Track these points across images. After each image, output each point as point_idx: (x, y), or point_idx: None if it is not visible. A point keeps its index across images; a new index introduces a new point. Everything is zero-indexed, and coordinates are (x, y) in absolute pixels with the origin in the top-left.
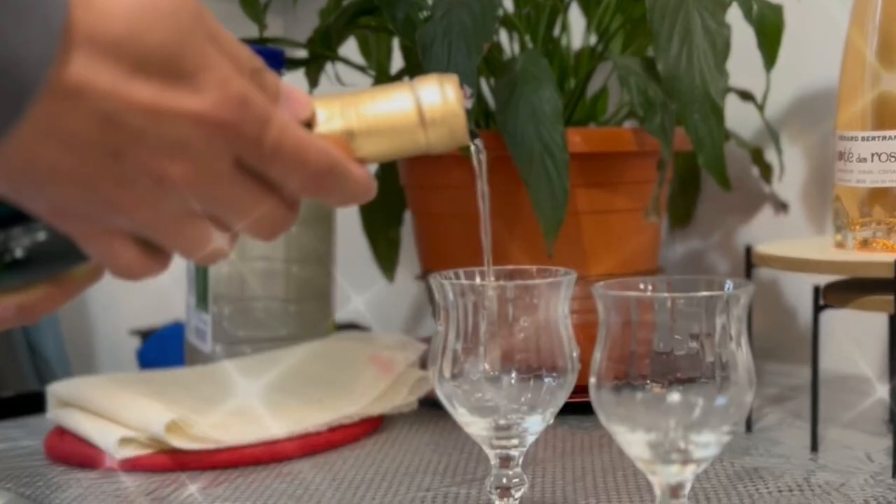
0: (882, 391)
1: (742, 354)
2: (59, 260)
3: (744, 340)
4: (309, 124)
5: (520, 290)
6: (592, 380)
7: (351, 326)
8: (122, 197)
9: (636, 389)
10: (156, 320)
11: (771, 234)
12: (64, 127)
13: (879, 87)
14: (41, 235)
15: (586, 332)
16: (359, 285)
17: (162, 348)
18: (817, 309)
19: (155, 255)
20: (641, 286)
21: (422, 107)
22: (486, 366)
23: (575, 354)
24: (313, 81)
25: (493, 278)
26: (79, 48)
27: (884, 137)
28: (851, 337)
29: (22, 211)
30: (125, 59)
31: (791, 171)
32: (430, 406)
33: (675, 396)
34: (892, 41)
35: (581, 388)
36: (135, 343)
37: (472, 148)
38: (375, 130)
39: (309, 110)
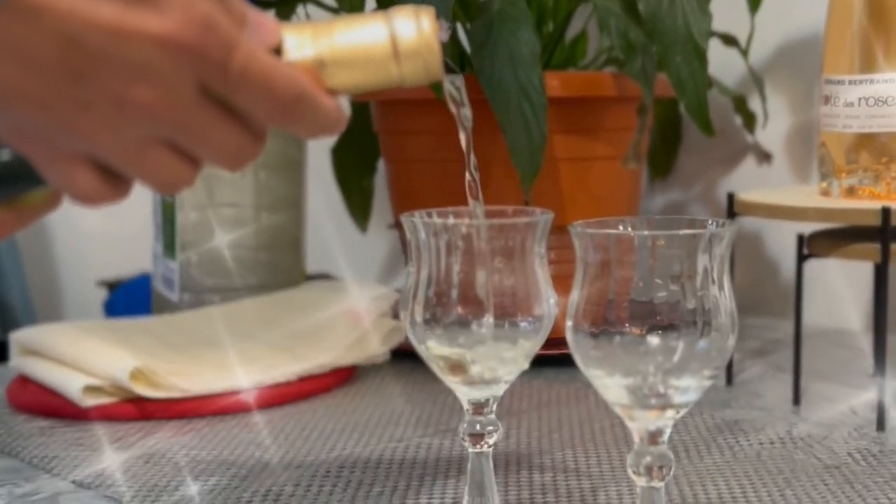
0: (866, 344)
1: (724, 297)
2: (16, 182)
3: (726, 283)
4: (278, 51)
5: (495, 230)
6: (569, 322)
7: (322, 277)
8: (82, 121)
9: (614, 333)
10: (123, 271)
11: (754, 186)
12: (23, 47)
13: (867, 28)
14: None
15: (564, 283)
16: (331, 235)
17: (129, 300)
18: (801, 258)
19: (115, 181)
20: (621, 226)
21: (396, 38)
22: (460, 309)
23: (552, 300)
24: None
25: (482, 213)
26: None
27: (871, 81)
28: (836, 289)
29: None
30: None
31: (775, 120)
32: (403, 357)
33: (654, 340)
34: None
35: (559, 340)
36: (102, 294)
37: (448, 83)
38: (347, 60)
39: (277, 37)
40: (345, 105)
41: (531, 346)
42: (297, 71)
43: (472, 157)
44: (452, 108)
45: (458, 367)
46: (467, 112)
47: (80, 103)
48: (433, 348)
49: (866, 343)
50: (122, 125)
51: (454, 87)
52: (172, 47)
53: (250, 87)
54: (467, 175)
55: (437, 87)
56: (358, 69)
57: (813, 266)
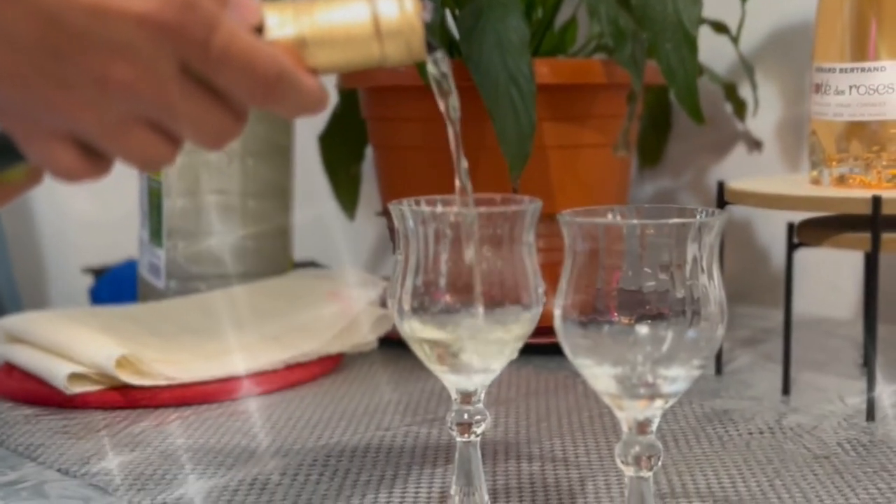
0: (856, 333)
1: (713, 287)
2: None
3: (716, 272)
4: (259, 30)
5: (483, 218)
6: (557, 311)
7: (310, 265)
8: (63, 99)
9: (603, 322)
10: (109, 258)
11: (744, 174)
12: (3, 25)
13: (858, 16)
14: None
15: (552, 272)
16: (318, 223)
17: (115, 287)
18: (791, 247)
19: (96, 159)
20: (610, 215)
21: (378, 17)
22: (448, 298)
23: (540, 290)
24: None
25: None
26: None
27: (862, 69)
28: (825, 278)
29: None
30: None
31: (766, 108)
32: (391, 345)
33: (643, 329)
34: None
35: (547, 329)
36: (88, 281)
37: (431, 61)
38: (328, 39)
39: (258, 15)
40: (332, 91)
41: (519, 330)
42: (278, 50)
43: (463, 162)
44: (439, 100)
45: (444, 353)
46: (455, 102)
47: (61, 82)
48: (419, 331)
49: (856, 332)
50: (103, 104)
51: (438, 68)
52: (153, 26)
53: (231, 67)
54: (457, 181)
55: (424, 73)
56: (339, 48)
57: (803, 255)
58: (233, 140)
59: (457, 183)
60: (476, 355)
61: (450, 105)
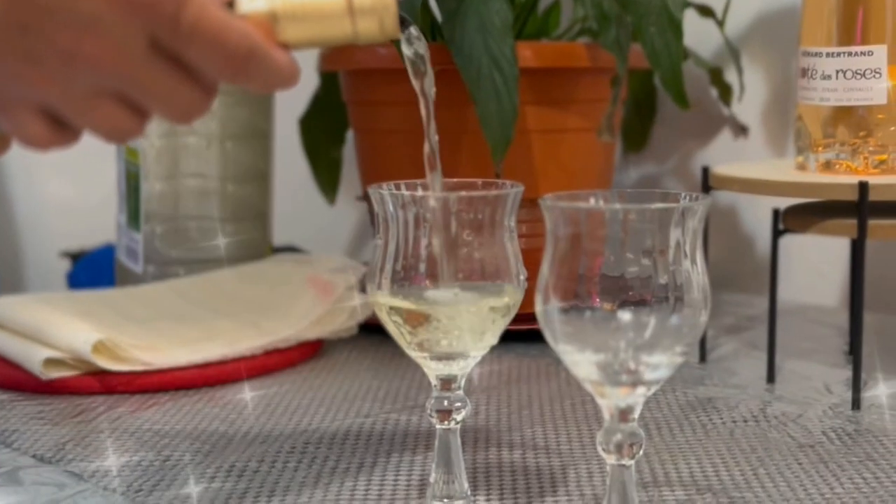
0: (842, 320)
1: (697, 272)
2: None
3: (699, 258)
4: (230, 4)
5: (464, 203)
6: (539, 297)
7: (289, 249)
8: (30, 72)
9: (585, 308)
10: (87, 242)
11: (729, 159)
12: None
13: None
14: None
15: (535, 258)
16: (298, 207)
17: (93, 271)
18: (776, 233)
19: (64, 129)
20: (592, 199)
21: None
22: (427, 283)
23: (522, 276)
24: None
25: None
26: None
27: (849, 53)
28: (811, 265)
29: None
30: None
31: (752, 92)
32: (371, 331)
33: (626, 315)
34: None
35: (529, 316)
36: (65, 266)
37: (405, 39)
38: (301, 15)
39: None
40: (313, 74)
41: (496, 303)
42: (249, 25)
43: (433, 126)
44: (414, 80)
45: (420, 323)
46: (430, 83)
47: (28, 56)
48: (392, 301)
49: (842, 320)
50: (70, 77)
51: (412, 47)
52: (122, 1)
53: (201, 42)
54: (426, 147)
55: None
56: (311, 24)
57: (789, 241)
58: (202, 115)
59: (426, 149)
60: (453, 331)
61: (425, 84)
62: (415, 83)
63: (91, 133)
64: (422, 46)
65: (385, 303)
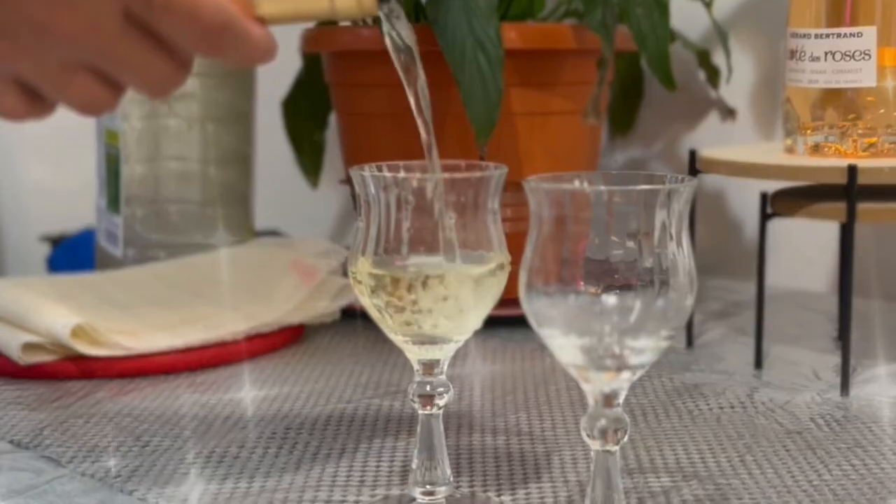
0: (831, 306)
1: (683, 256)
2: None
3: (685, 241)
4: None
5: (447, 184)
6: (522, 280)
7: (271, 233)
8: (4, 45)
9: (569, 291)
10: (67, 226)
11: (717, 142)
12: None
13: None
14: None
15: (520, 241)
16: (280, 190)
17: (73, 256)
18: (764, 217)
19: (38, 101)
20: (577, 181)
21: None
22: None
23: (505, 260)
24: None
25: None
26: None
27: (838, 35)
28: (799, 249)
29: None
30: None
31: (739, 74)
32: (353, 316)
33: (610, 299)
34: None
35: (514, 301)
36: (45, 250)
37: (383, 16)
38: None
39: None
40: (295, 56)
41: (477, 271)
42: None
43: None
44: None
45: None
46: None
47: (1, 29)
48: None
49: (831, 305)
50: (44, 50)
51: (391, 24)
52: None
53: (176, 15)
54: (422, 134)
55: (393, 38)
56: None
57: (777, 226)
58: (177, 89)
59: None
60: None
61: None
62: (403, 79)
63: (66, 106)
64: (403, 27)
65: (366, 271)
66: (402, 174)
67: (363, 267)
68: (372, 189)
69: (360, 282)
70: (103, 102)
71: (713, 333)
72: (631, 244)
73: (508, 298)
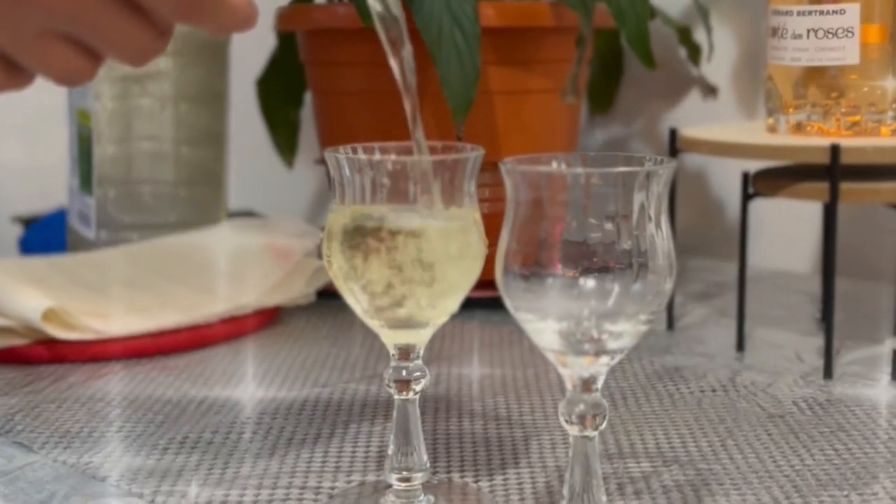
0: (814, 287)
1: (662, 239)
2: None
3: (664, 223)
4: None
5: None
6: (499, 264)
7: (246, 214)
8: None
9: (546, 275)
10: (40, 207)
11: (698, 120)
12: None
13: None
14: None
15: (497, 222)
16: (255, 170)
17: (46, 236)
18: (746, 197)
19: (16, 72)
20: (554, 163)
21: None
22: None
23: (482, 245)
24: None
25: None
26: None
27: (821, 12)
28: (782, 230)
29: None
30: None
31: (721, 51)
32: (329, 298)
33: (588, 282)
34: None
35: (492, 283)
36: (17, 231)
37: None
38: None
39: None
40: (270, 34)
41: (447, 223)
42: None
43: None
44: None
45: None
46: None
47: None
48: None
49: (814, 287)
50: (20, 19)
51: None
52: None
53: None
54: (407, 107)
55: (365, 15)
56: None
57: (759, 206)
58: (156, 57)
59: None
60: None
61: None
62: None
63: (43, 76)
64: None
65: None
66: (377, 156)
67: (341, 218)
68: (347, 171)
69: (332, 264)
70: (82, 72)
71: (694, 315)
72: (609, 226)
73: (486, 280)
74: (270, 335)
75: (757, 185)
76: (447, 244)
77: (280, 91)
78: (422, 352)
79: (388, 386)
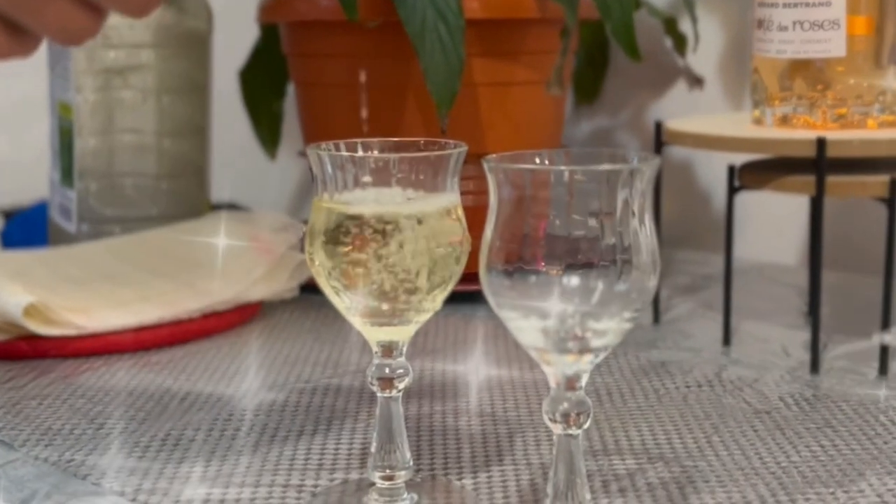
0: (801, 280)
1: (646, 235)
2: None
3: (648, 219)
4: None
5: (404, 163)
6: (482, 261)
7: (229, 207)
8: None
9: (529, 272)
10: (20, 199)
11: (684, 111)
12: None
13: None
14: None
15: (482, 215)
16: (238, 163)
17: (26, 230)
18: (732, 190)
19: (20, 36)
20: (538, 159)
21: None
22: None
23: (464, 241)
24: None
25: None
26: None
27: (806, 4)
28: (768, 222)
29: None
30: None
31: (707, 42)
32: (313, 292)
33: (572, 280)
34: None
35: (475, 276)
36: None
37: None
38: None
39: None
40: (253, 25)
41: (425, 207)
42: None
43: None
44: None
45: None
46: None
47: None
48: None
49: (801, 280)
50: None
51: None
52: None
53: None
54: None
55: (350, 8)
56: None
57: (745, 198)
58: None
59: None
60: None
61: None
62: None
63: (47, 36)
64: None
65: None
66: (359, 153)
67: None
68: (329, 168)
69: (314, 261)
70: (83, 28)
71: (680, 309)
72: (593, 223)
73: (470, 273)
74: (253, 330)
75: (743, 177)
76: (430, 240)
77: (263, 83)
78: (405, 349)
79: (371, 384)
